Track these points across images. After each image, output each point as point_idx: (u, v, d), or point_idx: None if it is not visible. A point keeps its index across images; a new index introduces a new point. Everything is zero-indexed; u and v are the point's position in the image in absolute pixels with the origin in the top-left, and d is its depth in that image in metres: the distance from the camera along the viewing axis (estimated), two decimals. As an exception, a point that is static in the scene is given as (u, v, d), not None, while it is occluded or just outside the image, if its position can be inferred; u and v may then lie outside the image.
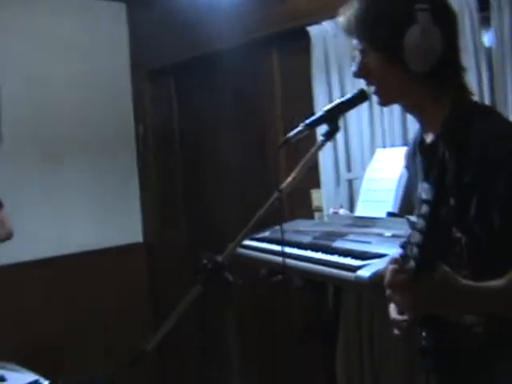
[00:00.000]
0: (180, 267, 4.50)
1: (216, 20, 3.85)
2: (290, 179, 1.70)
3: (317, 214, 3.40)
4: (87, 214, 4.30)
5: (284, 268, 2.03)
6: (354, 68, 1.59)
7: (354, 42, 1.57)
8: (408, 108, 1.65)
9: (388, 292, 1.40)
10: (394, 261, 1.38)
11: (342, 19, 1.57)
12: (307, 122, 1.73)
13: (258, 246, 2.70)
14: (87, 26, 4.34)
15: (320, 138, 1.72)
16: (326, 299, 2.99)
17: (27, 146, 4.06)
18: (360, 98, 1.72)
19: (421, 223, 1.23)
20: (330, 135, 1.71)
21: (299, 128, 1.73)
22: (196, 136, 4.44)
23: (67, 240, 4.18)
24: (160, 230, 4.53)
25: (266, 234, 2.82)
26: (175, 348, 4.00)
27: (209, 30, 3.90)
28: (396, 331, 1.49)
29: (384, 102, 1.62)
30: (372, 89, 1.59)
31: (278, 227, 2.79)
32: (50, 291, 4.07)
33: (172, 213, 4.56)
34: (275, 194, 1.69)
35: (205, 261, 1.70)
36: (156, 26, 4.32)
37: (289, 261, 2.42)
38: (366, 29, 1.52)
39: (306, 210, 3.40)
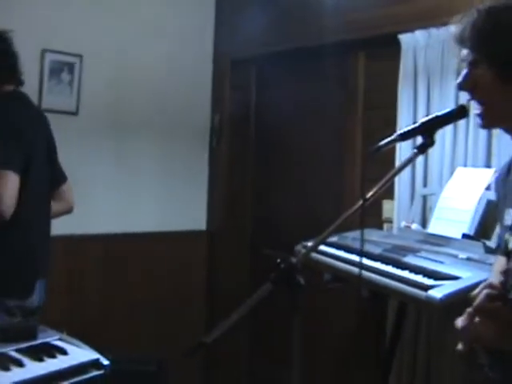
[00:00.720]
0: (240, 259, 4.50)
1: (305, 16, 3.83)
2: (375, 189, 1.65)
3: (386, 226, 3.34)
4: (154, 195, 4.31)
5: (359, 278, 1.96)
6: (459, 79, 1.52)
7: (464, 52, 1.49)
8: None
9: (476, 316, 1.33)
10: (491, 286, 1.31)
11: (455, 27, 1.50)
12: (401, 132, 1.67)
13: (326, 250, 2.65)
14: (174, 9, 4.34)
15: (413, 150, 1.66)
16: (388, 312, 2.94)
17: (102, 122, 4.08)
18: (459, 113, 1.65)
19: None
20: (423, 148, 1.65)
21: (392, 137, 1.67)
22: (271, 131, 4.40)
23: (131, 218, 4.20)
24: (224, 220, 4.52)
25: (334, 239, 2.77)
26: (226, 339, 3.98)
27: (296, 26, 3.88)
28: (460, 346, 1.41)
29: (486, 124, 1.53)
30: (476, 108, 1.52)
31: (347, 234, 2.77)
32: (109, 267, 4.10)
33: (238, 204, 4.55)
34: (360, 202, 1.64)
35: (278, 260, 1.67)
36: (243, 16, 4.29)
37: (356, 269, 2.37)
38: (482, 39, 1.43)
39: (376, 220, 3.34)
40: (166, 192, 4.36)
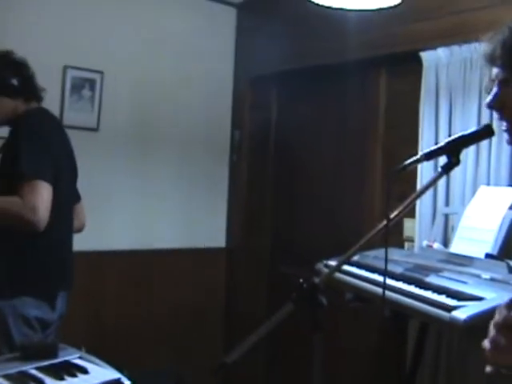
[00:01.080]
0: (258, 276, 4.47)
1: (325, 34, 3.82)
2: (400, 209, 1.63)
3: (407, 244, 3.31)
4: (173, 212, 4.32)
5: (383, 299, 1.94)
6: (488, 98, 1.49)
7: (495, 70, 1.47)
8: None
9: (494, 331, 1.28)
10: None
11: (485, 45, 1.47)
12: (427, 151, 1.65)
13: (348, 270, 2.62)
14: (196, 25, 4.37)
15: (438, 169, 1.64)
16: (409, 331, 2.90)
17: (123, 138, 4.10)
18: (485, 133, 1.63)
19: None
20: (448, 168, 1.63)
21: (417, 157, 1.65)
22: (291, 148, 4.39)
23: (151, 235, 4.21)
24: (243, 237, 4.51)
25: (355, 257, 2.73)
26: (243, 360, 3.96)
27: (317, 43, 3.87)
28: (488, 368, 1.36)
29: None
30: (504, 125, 1.49)
31: (368, 252, 2.74)
32: (127, 283, 4.10)
33: (258, 222, 4.54)
34: (384, 222, 1.62)
35: (301, 280, 1.65)
36: (264, 34, 4.30)
37: (378, 289, 2.34)
38: None
39: (397, 239, 3.30)
40: (186, 210, 4.37)
